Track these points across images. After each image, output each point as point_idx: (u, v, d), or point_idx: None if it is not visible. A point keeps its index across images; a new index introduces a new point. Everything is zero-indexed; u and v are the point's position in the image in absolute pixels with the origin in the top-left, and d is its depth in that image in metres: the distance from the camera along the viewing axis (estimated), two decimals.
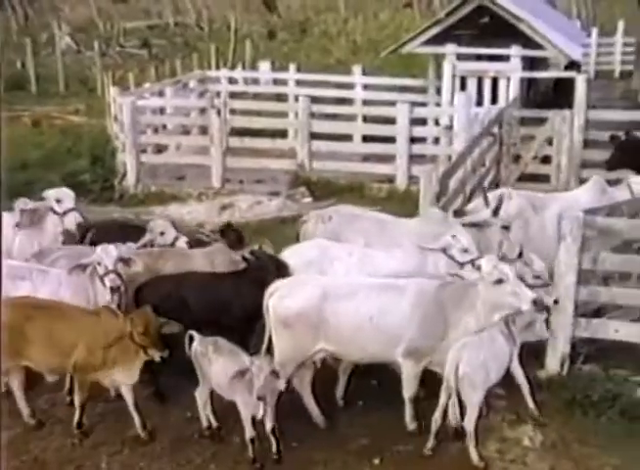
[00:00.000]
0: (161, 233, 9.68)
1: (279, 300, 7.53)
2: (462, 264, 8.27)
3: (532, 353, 8.68)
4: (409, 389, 7.52)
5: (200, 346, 7.41)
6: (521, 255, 8.74)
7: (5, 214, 9.65)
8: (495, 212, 9.32)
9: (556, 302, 7.85)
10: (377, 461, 7.36)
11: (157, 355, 7.24)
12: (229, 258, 8.93)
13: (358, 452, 7.49)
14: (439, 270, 8.41)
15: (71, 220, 9.61)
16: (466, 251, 8.40)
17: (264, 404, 7.03)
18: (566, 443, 7.60)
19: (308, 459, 7.38)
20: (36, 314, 7.55)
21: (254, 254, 8.56)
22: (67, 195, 9.80)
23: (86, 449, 7.59)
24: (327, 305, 7.40)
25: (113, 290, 8.00)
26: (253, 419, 7.15)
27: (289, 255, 8.71)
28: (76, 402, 7.62)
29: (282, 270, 8.33)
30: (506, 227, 9.31)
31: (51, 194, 9.81)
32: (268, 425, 7.17)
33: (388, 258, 8.63)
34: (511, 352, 7.43)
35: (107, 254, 8.11)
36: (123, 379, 7.50)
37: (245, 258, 8.53)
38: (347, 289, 7.57)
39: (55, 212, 9.66)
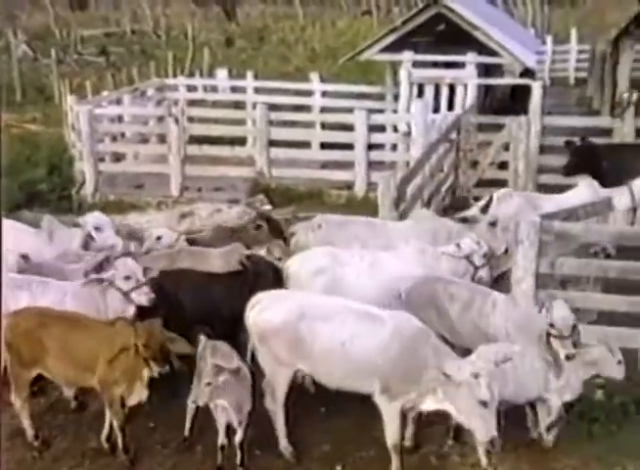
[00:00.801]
0: (158, 238, 9.70)
1: (258, 312, 7.42)
2: (477, 268, 8.58)
3: None
4: (390, 433, 7.13)
5: (201, 348, 7.38)
6: (506, 251, 8.94)
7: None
8: (484, 210, 9.51)
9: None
10: (339, 468, 7.39)
11: (156, 370, 7.03)
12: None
13: (321, 459, 7.50)
14: (442, 269, 8.65)
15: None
16: (484, 255, 8.70)
17: (240, 414, 7.06)
18: (526, 445, 7.66)
19: (271, 467, 7.39)
20: (53, 323, 7.44)
21: (251, 258, 8.66)
22: (106, 222, 9.90)
23: (47, 462, 7.53)
24: (303, 324, 7.16)
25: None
26: (228, 427, 7.16)
27: (298, 262, 8.75)
28: (115, 426, 7.32)
29: (278, 276, 8.48)
30: (492, 224, 9.63)
31: (89, 220, 9.92)
32: (239, 435, 7.16)
33: (397, 260, 8.72)
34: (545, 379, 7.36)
35: (133, 267, 8.06)
36: (140, 394, 7.29)
37: (242, 263, 8.61)
38: (327, 310, 7.31)
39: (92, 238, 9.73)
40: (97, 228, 9.83)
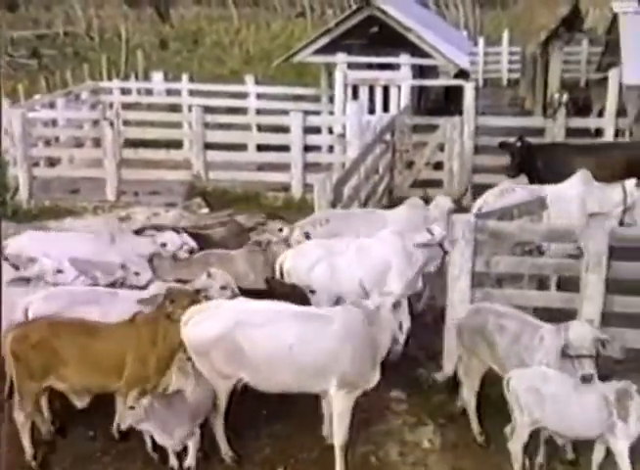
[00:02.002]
0: (163, 244, 9.64)
1: (192, 327, 7.19)
2: (446, 252, 8.88)
3: (430, 356, 8.91)
4: (340, 431, 7.17)
5: None
6: None
7: None
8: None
9: None
10: None
11: None
12: (264, 260, 9.32)
13: (263, 463, 7.49)
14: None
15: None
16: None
17: (171, 439, 7.02)
18: (466, 443, 7.73)
19: None
20: (67, 332, 7.34)
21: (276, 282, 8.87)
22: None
23: None
24: (240, 333, 7.04)
25: None
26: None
27: (295, 257, 9.02)
28: (127, 422, 7.02)
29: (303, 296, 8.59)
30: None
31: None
32: (188, 460, 7.15)
33: (379, 244, 9.17)
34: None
35: (227, 278, 8.20)
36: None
37: (267, 281, 8.76)
38: (263, 316, 7.20)
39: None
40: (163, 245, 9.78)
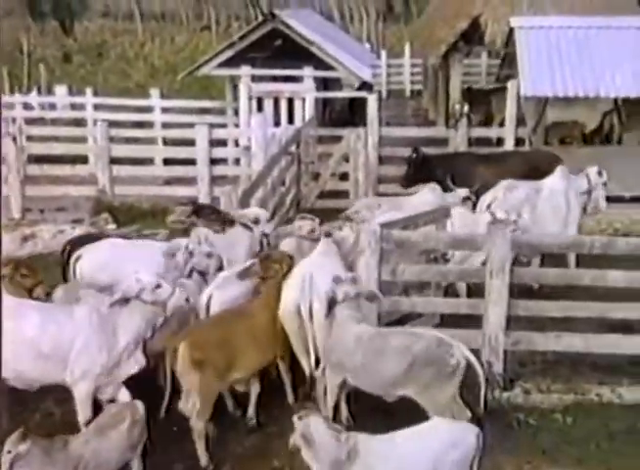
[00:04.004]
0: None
1: None
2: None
3: None
4: (82, 413, 7.33)
5: None
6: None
7: None
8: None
9: None
10: None
11: None
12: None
13: None
14: None
15: None
16: None
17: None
18: None
19: None
20: (231, 321, 7.73)
21: None
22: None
23: None
24: None
25: None
26: None
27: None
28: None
29: None
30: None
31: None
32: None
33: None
34: None
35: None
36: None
37: None
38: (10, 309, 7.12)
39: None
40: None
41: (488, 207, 11.37)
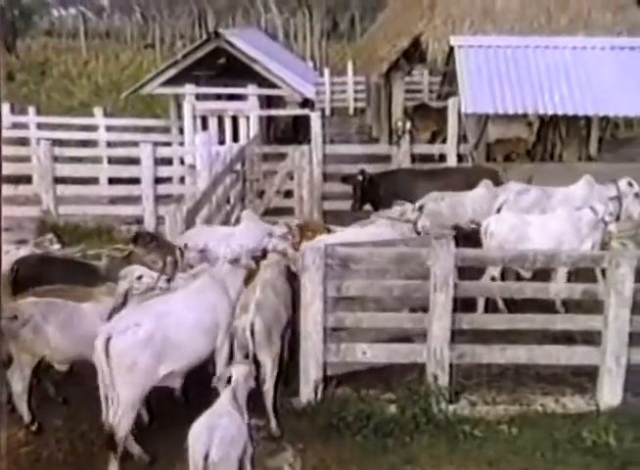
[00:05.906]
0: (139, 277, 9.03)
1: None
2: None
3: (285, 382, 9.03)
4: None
5: None
6: None
7: None
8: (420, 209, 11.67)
9: None
10: None
11: None
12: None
13: None
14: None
15: None
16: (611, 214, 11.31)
17: None
18: (326, 465, 7.77)
19: None
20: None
21: None
22: None
23: None
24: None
25: None
26: None
27: (495, 222, 11.25)
28: None
29: None
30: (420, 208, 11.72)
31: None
32: None
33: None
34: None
35: None
36: None
37: None
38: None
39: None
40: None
41: (498, 210, 12.15)
